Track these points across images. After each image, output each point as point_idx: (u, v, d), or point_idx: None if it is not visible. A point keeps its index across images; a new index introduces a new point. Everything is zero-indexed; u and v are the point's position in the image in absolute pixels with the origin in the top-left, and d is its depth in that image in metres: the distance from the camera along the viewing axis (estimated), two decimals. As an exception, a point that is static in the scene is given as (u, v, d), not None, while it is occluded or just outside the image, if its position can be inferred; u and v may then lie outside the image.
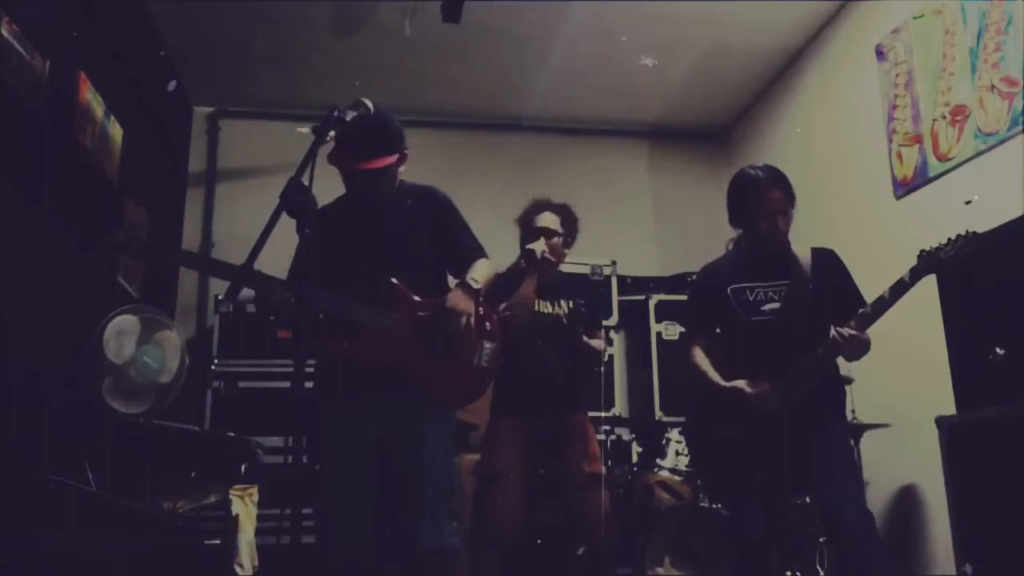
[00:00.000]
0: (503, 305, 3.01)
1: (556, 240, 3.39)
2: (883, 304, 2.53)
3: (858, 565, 2.50)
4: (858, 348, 2.60)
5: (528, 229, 3.41)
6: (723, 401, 2.73)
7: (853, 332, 2.54)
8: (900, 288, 2.50)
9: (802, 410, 2.62)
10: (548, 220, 3.40)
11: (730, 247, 2.97)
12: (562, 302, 3.38)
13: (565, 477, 3.28)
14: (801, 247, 2.82)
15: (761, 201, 2.75)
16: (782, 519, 2.96)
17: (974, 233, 2.45)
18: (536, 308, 3.30)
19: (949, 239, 2.47)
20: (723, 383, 2.75)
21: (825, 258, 2.82)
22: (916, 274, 2.49)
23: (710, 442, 2.92)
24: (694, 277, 3.17)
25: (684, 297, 4.83)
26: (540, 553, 3.40)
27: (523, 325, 3.11)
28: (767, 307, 2.75)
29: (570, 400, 3.35)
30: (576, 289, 3.50)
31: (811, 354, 2.63)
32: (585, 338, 3.36)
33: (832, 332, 2.56)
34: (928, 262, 2.48)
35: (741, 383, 2.69)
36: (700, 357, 2.88)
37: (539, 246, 3.25)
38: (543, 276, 3.27)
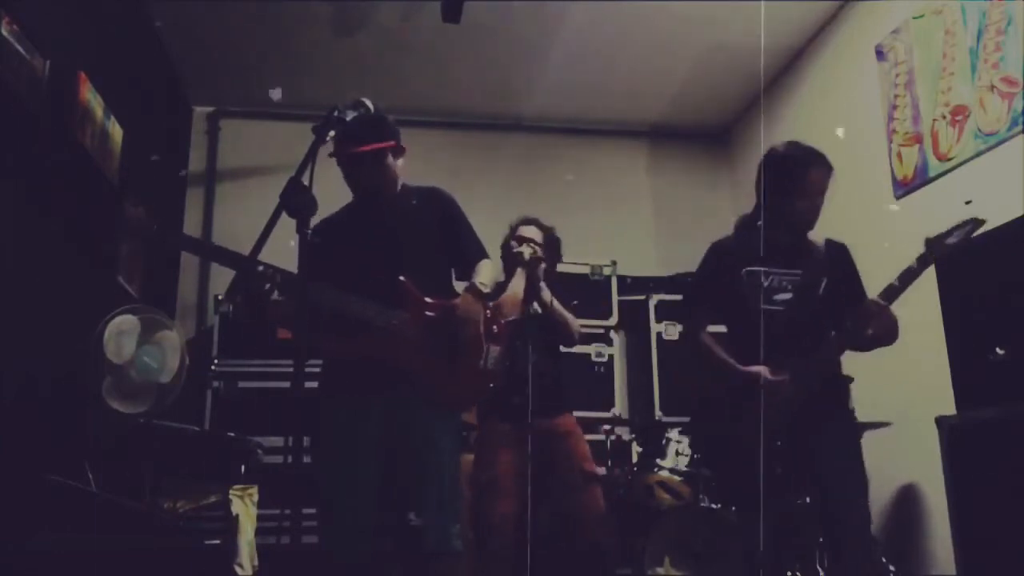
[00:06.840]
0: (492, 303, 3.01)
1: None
2: (894, 291, 2.49)
3: (844, 564, 2.51)
4: (889, 324, 2.52)
5: (512, 236, 3.45)
6: (732, 397, 2.68)
7: (884, 303, 2.45)
8: (908, 275, 2.46)
9: (806, 408, 2.59)
10: (531, 232, 3.43)
11: (739, 225, 2.83)
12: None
13: (561, 479, 3.29)
14: (816, 237, 2.74)
15: (802, 180, 2.62)
16: (784, 519, 2.95)
17: (976, 219, 2.44)
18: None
19: (958, 224, 2.44)
20: (739, 367, 2.63)
21: (838, 252, 2.76)
22: (924, 261, 2.46)
23: (715, 441, 2.91)
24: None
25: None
26: (541, 555, 3.38)
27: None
28: (779, 296, 2.66)
29: (557, 401, 3.37)
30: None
31: (828, 341, 2.58)
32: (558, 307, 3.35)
33: (865, 304, 2.48)
34: (935, 246, 2.44)
35: (761, 369, 2.56)
36: (709, 339, 2.77)
37: (526, 249, 3.24)
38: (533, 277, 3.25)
